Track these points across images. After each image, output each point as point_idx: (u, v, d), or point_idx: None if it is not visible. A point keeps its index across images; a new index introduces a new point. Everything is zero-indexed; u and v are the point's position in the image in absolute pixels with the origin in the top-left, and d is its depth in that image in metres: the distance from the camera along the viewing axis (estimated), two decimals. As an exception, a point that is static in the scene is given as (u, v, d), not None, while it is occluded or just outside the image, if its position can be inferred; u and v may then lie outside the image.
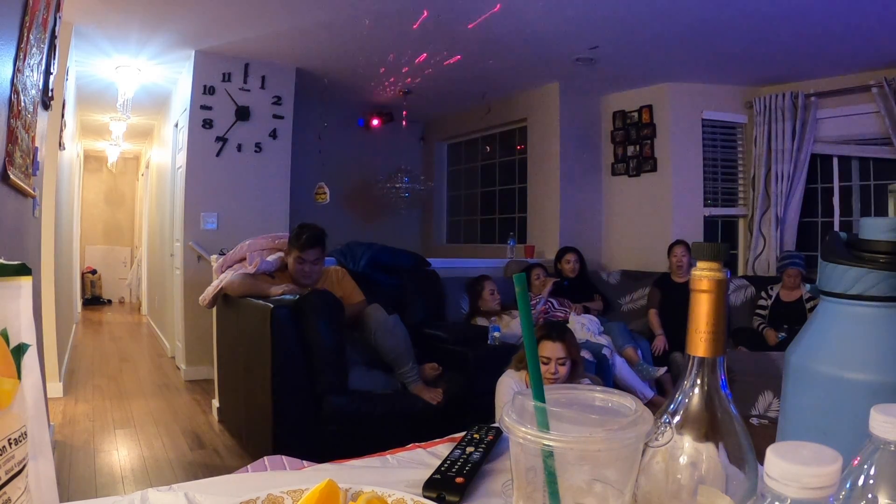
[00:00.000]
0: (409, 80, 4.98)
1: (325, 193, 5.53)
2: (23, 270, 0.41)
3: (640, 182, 5.07)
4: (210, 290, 3.17)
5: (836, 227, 4.58)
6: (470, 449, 0.71)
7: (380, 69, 4.78)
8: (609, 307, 4.38)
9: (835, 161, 4.59)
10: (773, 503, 0.31)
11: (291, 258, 2.90)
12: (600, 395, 0.45)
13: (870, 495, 0.35)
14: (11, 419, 0.39)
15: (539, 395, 0.42)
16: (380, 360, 2.81)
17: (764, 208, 4.66)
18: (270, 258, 3.05)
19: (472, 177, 6.67)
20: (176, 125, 5.10)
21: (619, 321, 3.89)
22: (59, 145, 3.70)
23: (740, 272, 4.81)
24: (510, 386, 2.27)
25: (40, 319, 3.31)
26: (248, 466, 0.80)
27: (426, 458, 0.74)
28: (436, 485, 0.62)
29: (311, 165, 5.52)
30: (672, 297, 3.97)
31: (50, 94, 2.67)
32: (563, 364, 2.18)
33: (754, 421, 3.21)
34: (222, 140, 4.52)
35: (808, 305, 3.79)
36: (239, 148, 4.57)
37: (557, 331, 2.25)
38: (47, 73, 2.48)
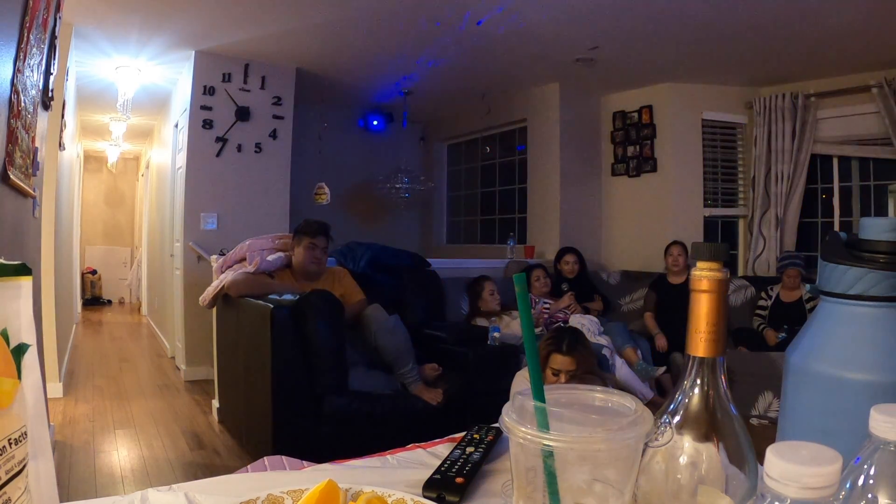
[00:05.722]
0: (405, 78, 4.98)
1: (325, 194, 5.53)
2: (23, 270, 0.41)
3: (640, 182, 5.07)
4: (210, 291, 3.17)
5: (836, 228, 4.58)
6: (470, 449, 0.71)
7: (380, 69, 4.79)
8: (609, 307, 4.37)
9: (835, 161, 4.59)
10: (773, 503, 0.31)
11: (301, 247, 2.93)
12: (600, 395, 0.45)
13: (870, 495, 0.35)
14: (11, 419, 0.39)
15: (539, 395, 0.42)
16: (380, 361, 2.81)
17: (764, 209, 4.66)
18: (270, 258, 3.05)
19: (472, 177, 6.67)
20: (176, 125, 5.10)
21: (618, 321, 3.89)
22: (59, 145, 3.70)
23: (740, 272, 4.81)
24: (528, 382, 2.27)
25: (40, 319, 3.30)
26: (248, 466, 0.80)
27: (426, 458, 0.74)
28: (436, 485, 0.62)
29: (311, 165, 5.52)
30: (669, 299, 3.97)
31: (50, 94, 2.67)
32: (573, 376, 2.16)
33: (754, 421, 3.22)
34: (222, 140, 4.51)
35: (808, 305, 3.78)
36: (239, 148, 4.57)
37: (568, 343, 2.18)
38: (47, 73, 2.48)
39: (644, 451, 0.42)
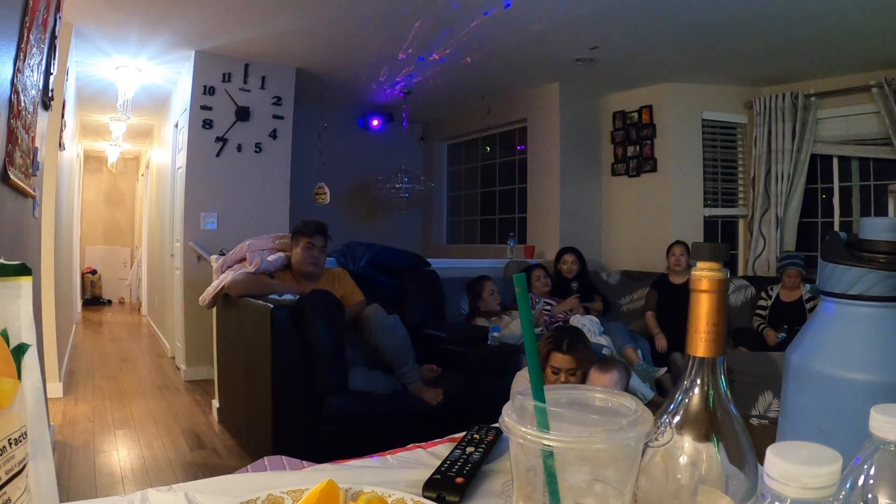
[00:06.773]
0: (405, 78, 4.98)
1: (325, 193, 5.53)
2: (23, 270, 0.41)
3: (640, 182, 5.07)
4: (210, 290, 3.17)
5: (836, 228, 4.58)
6: (470, 449, 0.71)
7: (380, 69, 4.79)
8: (609, 307, 4.37)
9: (835, 161, 4.59)
10: (773, 503, 0.31)
11: (300, 247, 2.94)
12: (600, 395, 0.45)
13: (870, 495, 0.35)
14: (11, 419, 0.39)
15: (539, 395, 0.42)
16: (380, 361, 2.81)
17: (764, 208, 4.66)
18: (271, 258, 3.06)
19: (472, 177, 6.67)
20: (176, 125, 5.10)
21: (618, 321, 3.89)
22: (59, 145, 3.70)
23: (740, 272, 4.81)
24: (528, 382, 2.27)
25: (40, 319, 3.31)
26: (248, 466, 0.80)
27: (426, 458, 0.74)
28: (436, 485, 0.62)
29: (311, 165, 5.52)
30: (670, 298, 3.97)
31: (50, 94, 2.67)
32: (573, 374, 2.17)
33: (754, 421, 3.21)
34: (222, 140, 4.51)
35: (808, 305, 3.78)
36: (239, 148, 4.57)
37: (568, 342, 2.19)
38: (47, 73, 2.48)
39: (644, 451, 0.42)
